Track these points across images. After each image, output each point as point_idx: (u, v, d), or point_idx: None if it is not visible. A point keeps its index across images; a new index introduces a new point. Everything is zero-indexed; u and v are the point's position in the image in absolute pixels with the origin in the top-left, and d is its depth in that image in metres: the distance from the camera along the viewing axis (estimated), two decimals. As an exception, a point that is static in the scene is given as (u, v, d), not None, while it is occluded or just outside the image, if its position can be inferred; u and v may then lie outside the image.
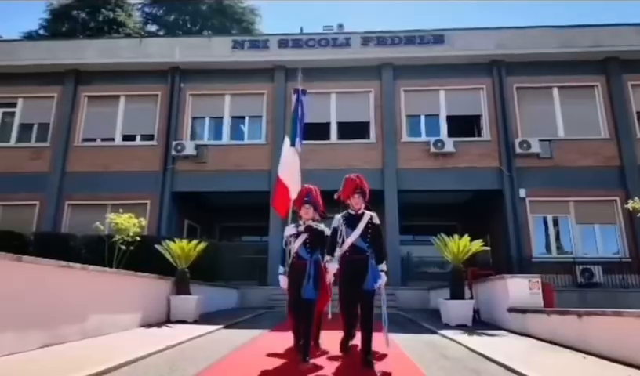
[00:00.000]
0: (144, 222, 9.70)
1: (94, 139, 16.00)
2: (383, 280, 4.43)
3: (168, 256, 8.41)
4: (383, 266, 4.49)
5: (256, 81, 15.90)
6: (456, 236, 7.96)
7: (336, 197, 4.85)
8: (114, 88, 16.01)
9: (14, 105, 16.32)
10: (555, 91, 15.23)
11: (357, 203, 4.66)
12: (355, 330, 4.65)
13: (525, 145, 14.37)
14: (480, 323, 7.90)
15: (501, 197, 14.54)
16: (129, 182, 14.82)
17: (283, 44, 15.94)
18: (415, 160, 15.00)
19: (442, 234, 8.16)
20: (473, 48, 15.35)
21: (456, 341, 5.95)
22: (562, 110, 15.05)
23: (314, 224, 4.94)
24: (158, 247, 8.49)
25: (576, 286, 12.98)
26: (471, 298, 8.41)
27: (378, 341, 4.52)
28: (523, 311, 6.68)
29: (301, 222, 4.93)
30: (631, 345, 4.35)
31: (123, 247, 8.32)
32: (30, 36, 31.84)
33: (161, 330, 6.84)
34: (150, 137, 15.65)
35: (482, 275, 8.99)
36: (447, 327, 7.56)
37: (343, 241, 4.57)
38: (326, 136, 15.46)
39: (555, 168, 14.37)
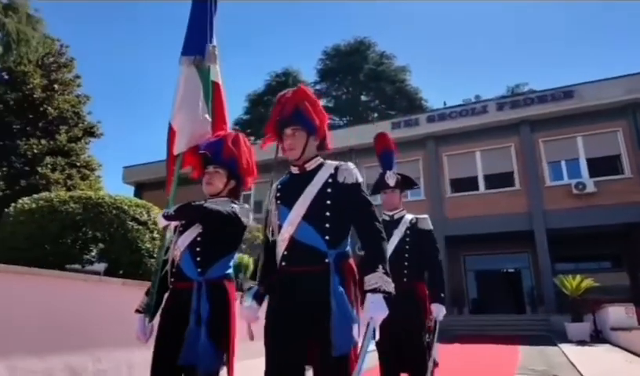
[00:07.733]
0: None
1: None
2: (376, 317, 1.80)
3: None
4: (375, 279, 1.83)
5: (411, 150, 20.23)
6: (570, 277, 10.92)
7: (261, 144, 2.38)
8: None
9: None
10: (696, 123, 15.93)
11: (291, 145, 2.13)
12: None
13: (668, 178, 15.49)
14: (597, 339, 10.61)
15: (652, 230, 15.76)
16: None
17: (431, 119, 20.11)
18: (559, 202, 17.20)
19: (560, 275, 11.15)
20: (603, 97, 17.07)
21: (559, 349, 9.18)
22: None
23: (219, 201, 2.47)
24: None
25: None
26: (594, 321, 11.10)
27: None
28: (616, 329, 9.43)
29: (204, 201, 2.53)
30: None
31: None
32: (238, 122, 42.73)
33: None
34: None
35: (601, 303, 11.46)
36: (569, 342, 10.50)
37: (273, 234, 2.12)
38: (475, 188, 18.82)
39: None
